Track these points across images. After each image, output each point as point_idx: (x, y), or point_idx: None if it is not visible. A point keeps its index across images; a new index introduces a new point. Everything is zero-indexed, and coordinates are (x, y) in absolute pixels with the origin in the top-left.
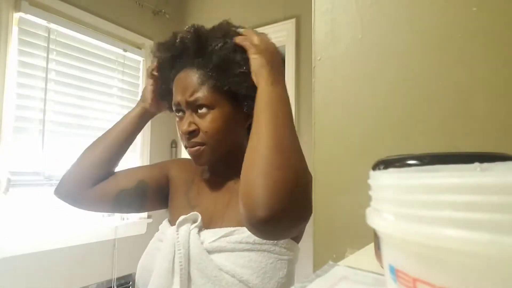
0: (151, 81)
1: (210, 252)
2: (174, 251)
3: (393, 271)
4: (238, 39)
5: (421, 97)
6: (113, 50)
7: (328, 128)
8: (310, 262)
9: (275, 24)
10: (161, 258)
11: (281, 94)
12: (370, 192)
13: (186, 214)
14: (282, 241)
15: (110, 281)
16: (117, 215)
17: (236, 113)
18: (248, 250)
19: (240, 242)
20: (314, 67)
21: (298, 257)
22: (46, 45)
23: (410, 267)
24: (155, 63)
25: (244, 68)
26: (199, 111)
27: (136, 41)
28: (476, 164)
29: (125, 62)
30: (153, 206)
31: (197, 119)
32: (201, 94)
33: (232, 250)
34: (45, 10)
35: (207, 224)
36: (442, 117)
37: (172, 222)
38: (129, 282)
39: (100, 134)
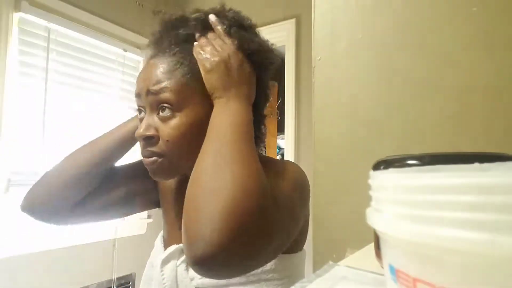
0: None
1: None
2: None
3: (393, 271)
4: (194, 51)
5: (421, 97)
6: (113, 50)
7: (328, 128)
8: (310, 262)
9: (275, 24)
10: None
11: (234, 113)
12: (370, 192)
13: (175, 231)
14: (279, 262)
15: (110, 281)
16: None
17: (207, 121)
18: (243, 284)
19: None
20: (314, 67)
21: (304, 264)
22: (46, 45)
23: (410, 267)
24: None
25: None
26: (161, 113)
27: (136, 41)
28: (476, 164)
29: (125, 62)
30: (143, 209)
31: (158, 123)
32: (168, 86)
33: (226, 285)
34: (45, 10)
35: None
36: (442, 117)
37: (165, 236)
38: (129, 282)
39: (99, 132)
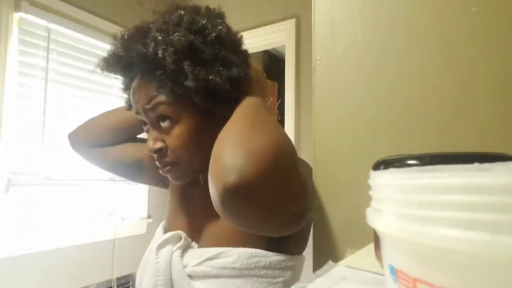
0: None
1: (193, 277)
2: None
3: (393, 271)
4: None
5: (421, 97)
6: None
7: (328, 128)
8: (310, 262)
9: (275, 24)
10: (146, 281)
11: (260, 105)
12: (370, 192)
13: (176, 220)
14: (275, 261)
15: (110, 281)
16: (117, 216)
17: (207, 122)
18: (234, 276)
19: (225, 268)
20: (314, 67)
21: (301, 271)
22: (46, 45)
23: (410, 267)
24: None
25: (202, 66)
26: (162, 124)
27: None
28: (476, 164)
29: None
30: (151, 183)
31: (163, 135)
32: (160, 100)
33: (217, 277)
34: (45, 10)
35: (196, 237)
36: (442, 117)
37: (166, 225)
38: (129, 282)
39: None
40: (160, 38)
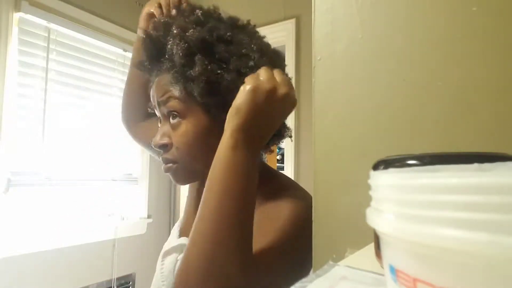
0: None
1: None
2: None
3: (393, 271)
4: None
5: (421, 97)
6: (113, 50)
7: (328, 128)
8: None
9: (275, 24)
10: (154, 282)
11: (240, 165)
12: (370, 192)
13: (189, 224)
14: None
15: (110, 281)
16: (117, 216)
17: (216, 124)
18: None
19: None
20: (314, 67)
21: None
22: (46, 45)
23: (410, 267)
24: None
25: (212, 68)
26: (171, 120)
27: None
28: (476, 164)
29: (125, 62)
30: None
31: (170, 131)
32: (172, 95)
33: None
34: (45, 10)
35: None
36: (442, 117)
37: (181, 226)
38: (129, 282)
39: (99, 132)
40: (176, 32)
